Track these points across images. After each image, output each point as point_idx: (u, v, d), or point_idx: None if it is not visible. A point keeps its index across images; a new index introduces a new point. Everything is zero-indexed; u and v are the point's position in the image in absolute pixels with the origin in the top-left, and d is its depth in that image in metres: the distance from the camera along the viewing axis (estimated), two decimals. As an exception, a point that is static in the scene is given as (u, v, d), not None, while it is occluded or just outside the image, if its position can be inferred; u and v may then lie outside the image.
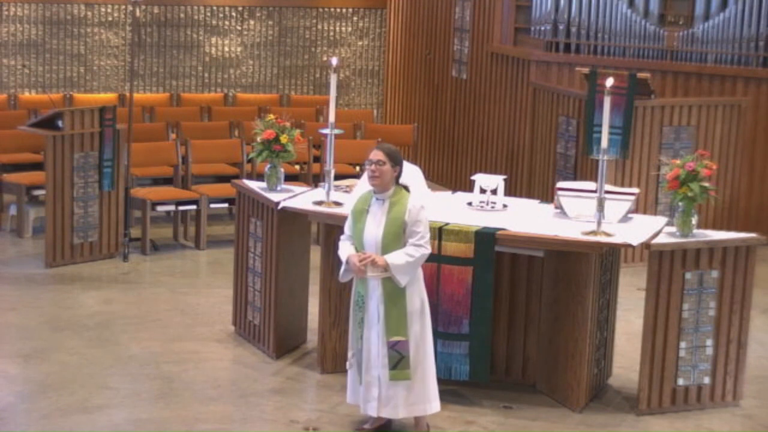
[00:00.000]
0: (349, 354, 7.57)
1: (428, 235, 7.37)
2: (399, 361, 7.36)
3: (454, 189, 12.99)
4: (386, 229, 7.29)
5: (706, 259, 8.08)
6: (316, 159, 13.05)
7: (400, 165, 7.40)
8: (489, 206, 8.72)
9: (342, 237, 7.58)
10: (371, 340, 7.40)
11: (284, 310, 8.96)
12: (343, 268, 7.50)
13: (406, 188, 7.43)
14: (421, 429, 7.61)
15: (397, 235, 7.29)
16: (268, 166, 9.09)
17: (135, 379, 8.44)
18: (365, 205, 7.42)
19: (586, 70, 11.82)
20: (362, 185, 8.00)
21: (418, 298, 7.40)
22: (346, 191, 8.80)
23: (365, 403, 7.51)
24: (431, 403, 7.53)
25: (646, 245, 7.99)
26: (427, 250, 7.35)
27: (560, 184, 8.82)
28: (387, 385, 7.40)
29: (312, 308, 9.17)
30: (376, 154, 7.33)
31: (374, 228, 7.33)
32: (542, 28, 13.45)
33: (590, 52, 13.27)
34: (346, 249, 7.46)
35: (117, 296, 10.29)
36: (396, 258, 7.26)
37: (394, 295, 7.32)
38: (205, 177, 12.66)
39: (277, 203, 8.72)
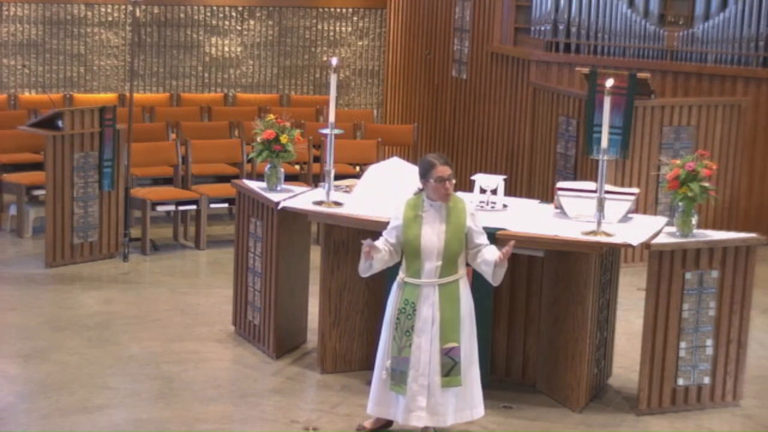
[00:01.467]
0: (387, 363, 7.38)
1: None
2: (452, 367, 7.30)
3: (454, 189, 12.98)
4: (450, 234, 7.26)
5: (706, 259, 8.08)
6: (316, 159, 13.05)
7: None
8: (489, 206, 8.71)
9: (379, 240, 7.43)
10: (422, 348, 7.30)
11: (284, 310, 8.96)
12: (366, 263, 7.36)
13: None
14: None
15: (460, 240, 7.30)
16: (268, 166, 9.09)
17: (135, 379, 8.44)
18: (417, 210, 7.35)
19: (586, 70, 11.82)
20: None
21: (469, 304, 7.40)
22: (346, 191, 8.80)
23: (407, 413, 7.34)
24: (477, 408, 7.48)
25: (646, 245, 7.99)
26: None
27: (560, 184, 8.82)
28: (439, 392, 7.31)
29: (312, 308, 9.17)
30: (446, 170, 7.27)
31: (433, 233, 7.28)
32: (542, 28, 13.45)
33: (590, 52, 13.26)
34: (379, 244, 7.34)
35: (117, 296, 10.29)
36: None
37: (450, 300, 7.29)
38: (205, 177, 12.66)
39: (277, 203, 8.72)
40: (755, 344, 9.48)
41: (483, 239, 7.40)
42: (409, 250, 7.32)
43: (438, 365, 7.29)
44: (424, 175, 7.32)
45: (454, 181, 7.35)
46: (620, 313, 9.14)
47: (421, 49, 15.54)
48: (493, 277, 7.36)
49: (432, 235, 7.28)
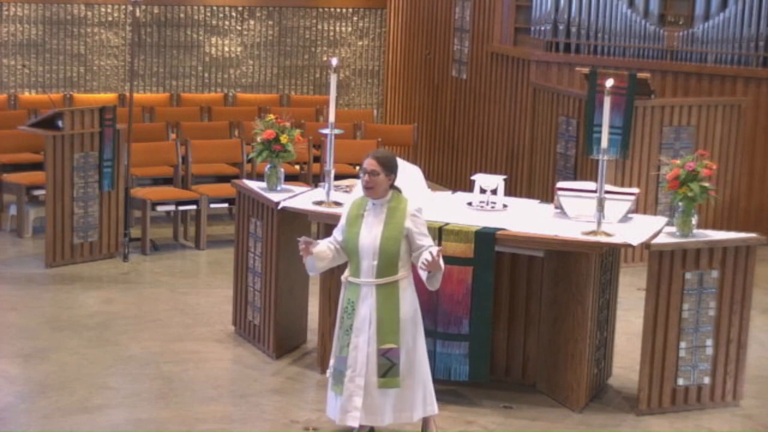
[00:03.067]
0: (331, 362, 7.44)
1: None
2: (389, 368, 7.25)
3: (454, 189, 12.99)
4: (386, 233, 7.21)
5: (706, 259, 8.08)
6: (316, 159, 13.05)
7: (395, 172, 7.31)
8: (489, 206, 8.72)
9: (327, 238, 7.47)
10: (359, 348, 7.27)
11: (284, 310, 8.96)
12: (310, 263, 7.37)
13: (399, 190, 7.36)
14: (429, 430, 7.60)
15: (396, 240, 7.21)
16: (268, 166, 9.09)
17: (135, 379, 8.44)
18: (360, 210, 7.33)
19: (586, 70, 11.82)
20: (358, 189, 7.97)
21: (411, 306, 7.31)
22: (346, 191, 8.80)
23: (343, 414, 7.31)
24: (417, 410, 7.40)
25: (646, 245, 7.99)
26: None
27: (560, 184, 8.82)
28: (376, 393, 7.27)
29: (312, 308, 9.18)
30: (370, 164, 7.23)
31: (371, 233, 7.24)
32: (542, 28, 13.45)
33: (590, 52, 13.27)
34: (320, 246, 7.34)
35: (117, 296, 10.29)
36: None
37: (388, 301, 7.23)
38: (205, 177, 12.66)
39: (277, 203, 8.72)
40: (755, 344, 9.49)
41: (426, 241, 7.25)
42: (348, 249, 7.31)
43: (375, 365, 7.25)
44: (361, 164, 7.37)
45: (381, 177, 7.20)
46: (620, 313, 9.14)
47: (421, 49, 15.54)
48: (427, 281, 7.22)
49: (369, 234, 7.24)
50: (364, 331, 7.26)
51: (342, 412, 7.32)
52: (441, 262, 7.11)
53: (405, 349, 7.30)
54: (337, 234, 7.46)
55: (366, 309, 7.26)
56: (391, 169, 7.29)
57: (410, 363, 7.33)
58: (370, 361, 7.26)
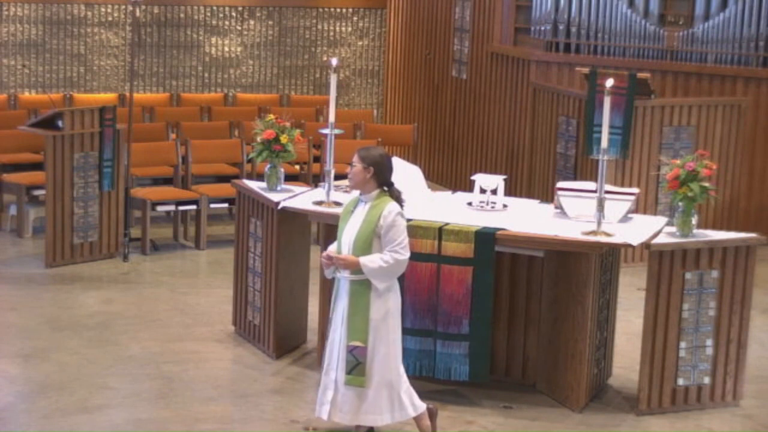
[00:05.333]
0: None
1: (406, 241, 7.23)
2: (355, 366, 7.25)
3: (454, 189, 12.99)
4: (359, 231, 7.23)
5: (706, 259, 8.08)
6: (316, 159, 13.05)
7: (377, 166, 7.24)
8: (489, 206, 8.72)
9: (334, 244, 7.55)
10: (334, 342, 7.35)
11: (284, 310, 8.96)
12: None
13: (395, 195, 7.31)
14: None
15: (368, 238, 7.21)
16: (268, 166, 9.09)
17: (135, 379, 8.44)
18: (351, 206, 7.41)
19: (586, 70, 11.82)
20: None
21: (383, 308, 7.27)
22: (346, 191, 8.79)
23: (320, 406, 7.39)
24: (382, 415, 7.33)
25: (646, 245, 7.99)
26: (403, 256, 7.21)
27: (560, 184, 8.82)
28: (342, 389, 7.30)
29: (312, 308, 9.18)
30: (353, 157, 7.32)
31: (351, 229, 7.29)
32: (542, 28, 13.45)
33: (590, 52, 13.27)
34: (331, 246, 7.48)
35: (117, 296, 10.29)
36: (370, 261, 7.18)
37: (359, 300, 7.25)
38: (205, 177, 12.66)
39: (277, 203, 8.72)
40: (755, 344, 9.48)
41: (391, 244, 7.16)
42: (337, 244, 7.39)
43: (343, 361, 7.30)
44: None
45: (357, 167, 7.22)
46: (620, 313, 9.14)
47: (421, 49, 15.54)
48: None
49: (349, 230, 7.31)
50: (339, 326, 7.34)
51: (318, 404, 7.42)
52: (341, 262, 7.20)
53: (372, 350, 7.27)
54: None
55: (341, 303, 7.33)
56: (369, 162, 7.25)
57: (379, 365, 7.28)
58: (341, 356, 7.32)
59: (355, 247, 7.24)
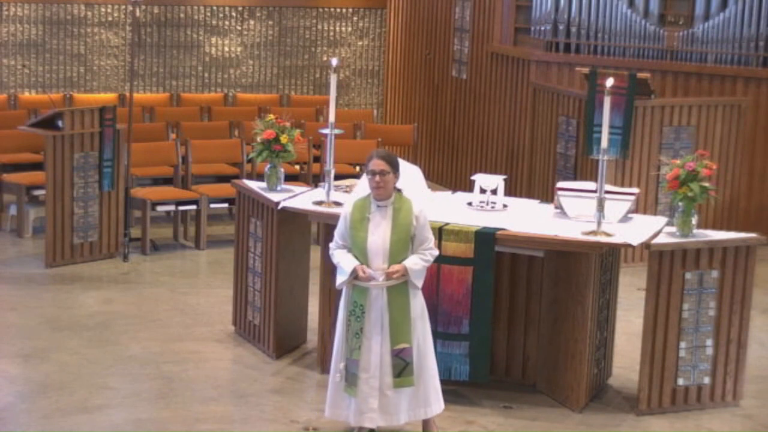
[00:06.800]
0: (341, 365, 7.41)
1: (432, 236, 7.40)
2: (404, 368, 7.30)
3: (454, 189, 12.99)
4: (394, 236, 7.23)
5: (706, 259, 8.08)
6: (316, 159, 13.05)
7: (399, 170, 7.36)
8: (489, 206, 8.72)
9: (333, 245, 7.46)
10: (372, 350, 7.29)
11: (284, 310, 8.96)
12: (342, 278, 7.32)
13: (399, 191, 7.37)
14: (430, 431, 7.60)
15: (405, 242, 7.26)
16: (268, 166, 9.09)
17: (135, 379, 8.44)
18: (364, 212, 7.31)
19: (586, 70, 11.82)
20: (357, 190, 7.94)
21: (419, 305, 7.37)
22: (346, 191, 8.79)
23: (359, 415, 7.35)
24: (431, 406, 7.47)
25: (646, 245, 7.99)
26: (437, 251, 7.41)
27: (560, 184, 8.82)
28: (391, 393, 7.31)
29: (312, 308, 9.18)
30: (378, 164, 7.24)
31: (379, 236, 7.24)
32: (542, 28, 13.45)
33: (590, 52, 13.27)
34: (347, 259, 7.31)
35: (117, 296, 10.29)
36: (414, 264, 7.24)
37: (399, 302, 7.26)
38: (205, 177, 12.66)
39: (277, 203, 8.72)
40: (755, 344, 9.49)
41: (427, 243, 7.30)
42: (356, 253, 7.31)
43: (389, 366, 7.29)
44: (365, 167, 7.35)
45: (390, 176, 7.24)
46: (620, 313, 9.14)
47: (421, 49, 15.54)
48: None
49: (378, 237, 7.25)
50: (376, 334, 7.29)
51: (358, 413, 7.36)
52: (397, 275, 7.21)
53: (417, 347, 7.36)
54: (339, 238, 7.44)
55: (377, 312, 7.28)
56: (396, 168, 7.35)
57: (422, 360, 7.39)
58: (384, 362, 7.29)
59: (393, 253, 7.22)
